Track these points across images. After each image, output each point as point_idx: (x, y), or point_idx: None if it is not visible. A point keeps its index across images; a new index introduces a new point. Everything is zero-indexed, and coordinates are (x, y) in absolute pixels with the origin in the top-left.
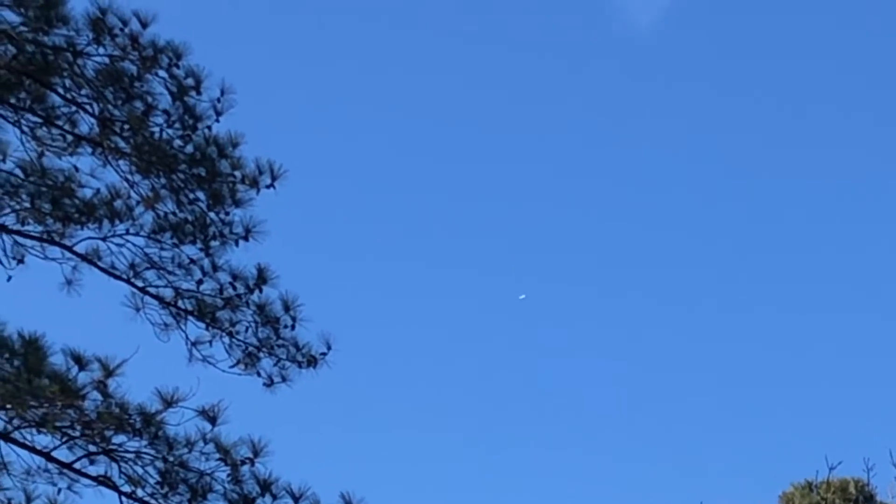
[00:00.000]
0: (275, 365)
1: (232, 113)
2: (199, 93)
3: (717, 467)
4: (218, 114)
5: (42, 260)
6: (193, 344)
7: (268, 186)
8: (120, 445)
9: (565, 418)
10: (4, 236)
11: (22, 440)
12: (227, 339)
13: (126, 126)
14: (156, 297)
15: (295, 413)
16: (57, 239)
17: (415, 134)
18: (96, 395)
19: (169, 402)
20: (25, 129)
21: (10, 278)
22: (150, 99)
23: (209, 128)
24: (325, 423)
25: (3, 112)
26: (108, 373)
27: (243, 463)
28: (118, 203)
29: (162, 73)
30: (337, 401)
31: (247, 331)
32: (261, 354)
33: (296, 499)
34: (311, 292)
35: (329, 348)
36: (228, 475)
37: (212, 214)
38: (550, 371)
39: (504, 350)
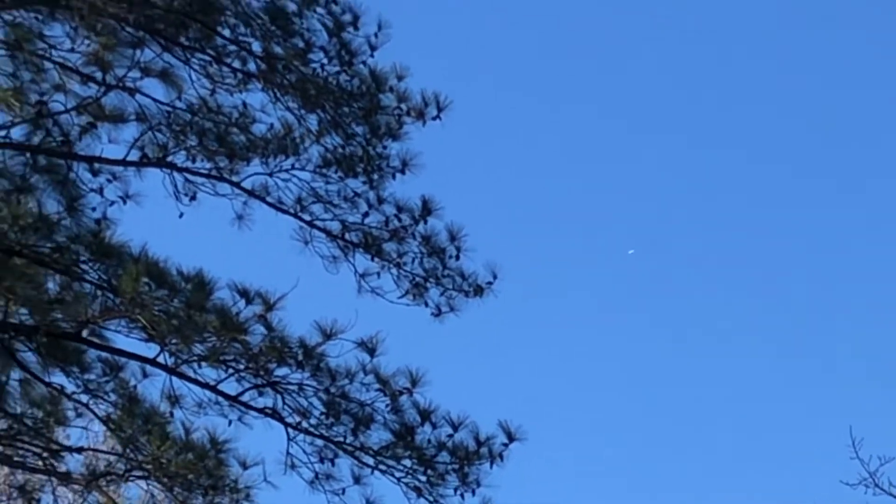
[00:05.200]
0: (441, 295)
1: (388, 47)
2: (356, 28)
3: None
4: (372, 49)
5: (213, 196)
6: (362, 276)
7: (434, 118)
8: (283, 378)
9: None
10: (175, 174)
11: (192, 375)
12: (394, 271)
13: (287, 63)
14: (323, 230)
15: (458, 343)
16: (226, 175)
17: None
18: (262, 328)
19: (328, 335)
20: (196, 67)
21: (181, 215)
22: (308, 36)
23: (364, 63)
24: (488, 352)
25: (175, 52)
26: (269, 307)
27: (401, 393)
28: (285, 138)
29: (320, 9)
30: (500, 330)
31: (413, 262)
32: (428, 285)
33: (455, 427)
34: (475, 222)
35: (495, 277)
36: (387, 405)
37: (369, 148)
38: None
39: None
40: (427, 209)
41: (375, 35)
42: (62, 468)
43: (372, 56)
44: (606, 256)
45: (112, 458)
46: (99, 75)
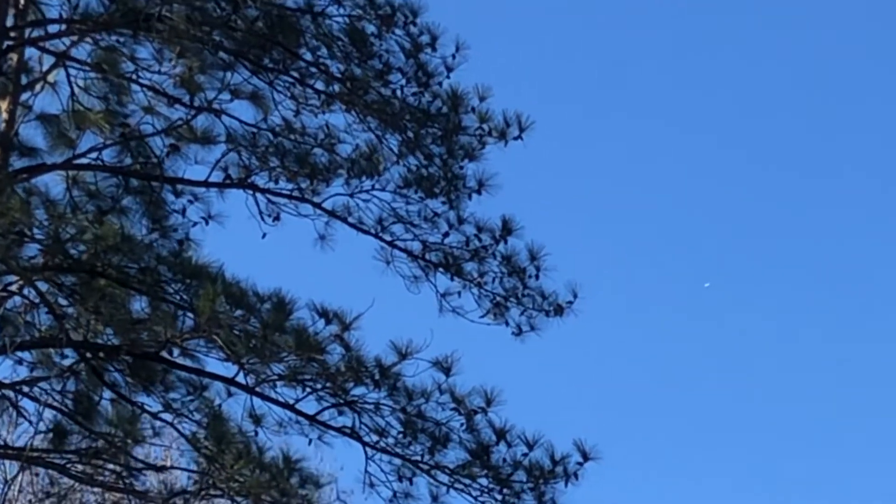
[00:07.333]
0: (522, 314)
1: (465, 68)
2: (434, 49)
3: None
4: (448, 70)
5: (296, 217)
6: (443, 295)
7: (515, 138)
8: (360, 397)
9: None
10: (258, 195)
11: (272, 395)
12: (475, 290)
13: (364, 85)
14: (404, 250)
15: (540, 362)
16: (308, 196)
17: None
18: (340, 348)
19: (404, 355)
20: (280, 89)
21: (264, 235)
22: (387, 57)
23: (440, 84)
24: (565, 371)
25: (262, 74)
26: (345, 326)
27: (476, 412)
28: (364, 160)
29: (398, 31)
30: (580, 349)
31: (494, 281)
32: (509, 304)
33: (530, 446)
34: (556, 242)
35: (575, 297)
36: (463, 424)
37: (446, 169)
38: None
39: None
40: (507, 229)
41: (453, 56)
42: (140, 486)
43: (448, 77)
44: (686, 278)
45: (192, 476)
46: (187, 98)
